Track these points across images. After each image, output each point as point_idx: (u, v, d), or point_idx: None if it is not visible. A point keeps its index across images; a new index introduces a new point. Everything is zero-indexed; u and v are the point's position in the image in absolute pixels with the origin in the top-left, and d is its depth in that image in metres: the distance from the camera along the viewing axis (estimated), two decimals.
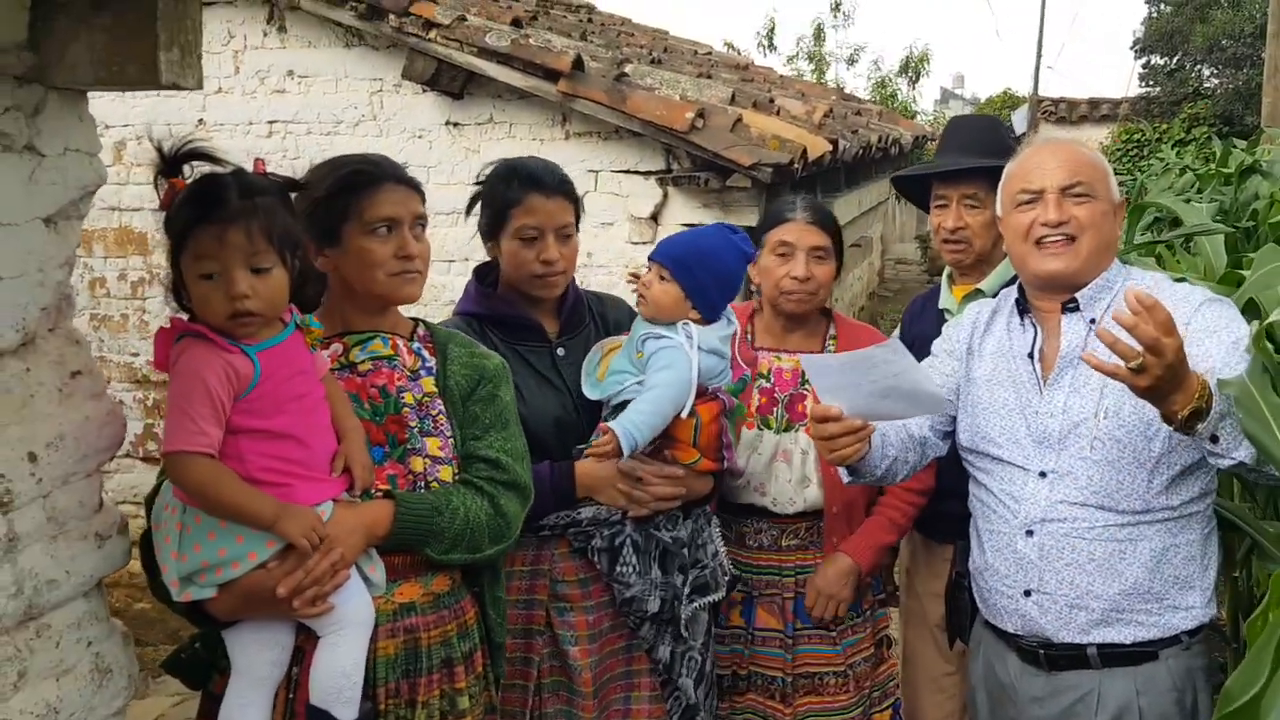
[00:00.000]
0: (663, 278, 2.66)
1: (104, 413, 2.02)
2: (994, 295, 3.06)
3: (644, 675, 2.72)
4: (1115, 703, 2.38)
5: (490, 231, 2.69)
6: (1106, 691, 2.38)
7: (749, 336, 3.11)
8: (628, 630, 2.69)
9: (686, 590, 2.67)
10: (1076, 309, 2.45)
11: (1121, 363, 1.99)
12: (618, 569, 2.60)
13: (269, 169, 2.07)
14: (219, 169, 2.00)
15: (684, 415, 2.59)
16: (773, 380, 3.04)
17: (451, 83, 5.79)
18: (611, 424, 2.52)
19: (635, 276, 2.77)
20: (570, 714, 2.61)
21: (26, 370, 1.88)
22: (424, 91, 5.94)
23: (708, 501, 2.85)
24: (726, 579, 2.80)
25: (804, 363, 2.43)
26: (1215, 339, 2.26)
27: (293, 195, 2.08)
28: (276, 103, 6.14)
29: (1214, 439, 2.10)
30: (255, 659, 2.07)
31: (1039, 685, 2.47)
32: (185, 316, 2.02)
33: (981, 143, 3.25)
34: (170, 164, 1.97)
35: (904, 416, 2.51)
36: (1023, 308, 2.57)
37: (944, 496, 2.97)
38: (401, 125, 6.02)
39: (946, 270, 3.33)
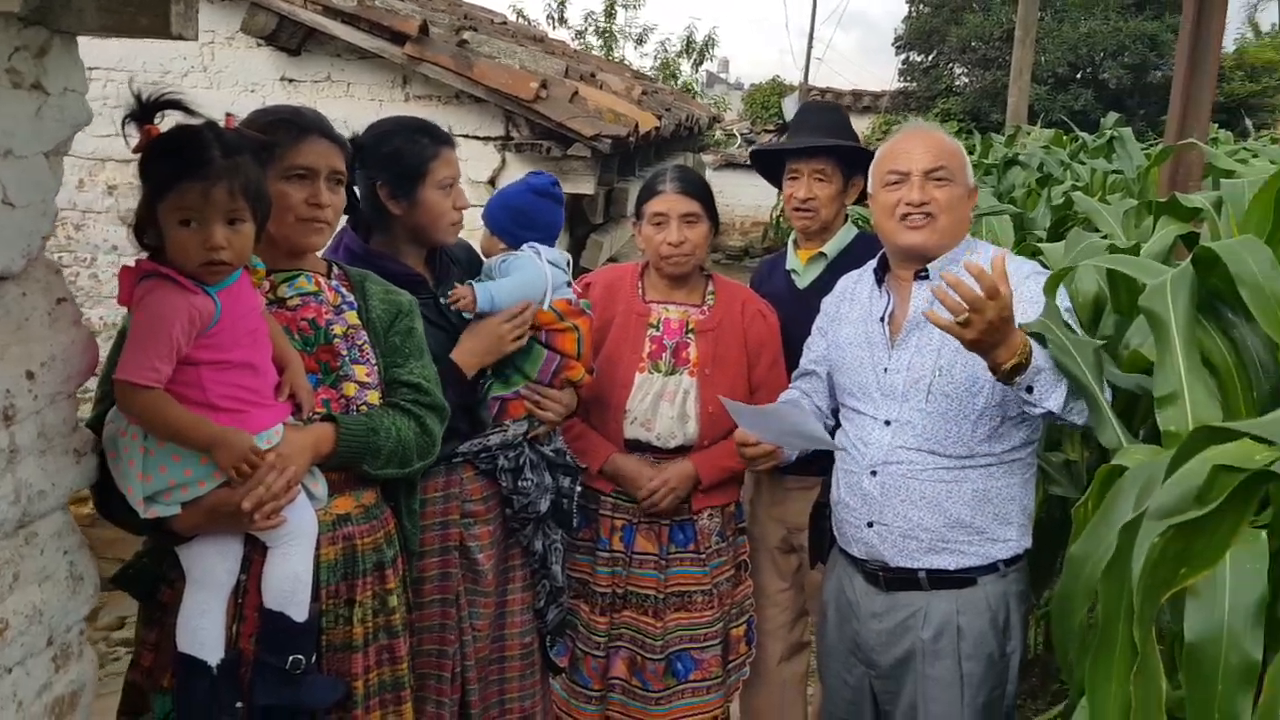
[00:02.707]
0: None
1: (84, 338, 2.14)
2: (834, 257, 3.50)
3: (517, 570, 3.07)
4: (939, 619, 2.77)
5: (405, 187, 2.85)
6: (932, 610, 2.77)
7: (640, 291, 3.43)
8: (508, 532, 3.03)
9: (578, 488, 3.11)
10: (926, 277, 2.81)
11: (952, 317, 2.36)
12: (520, 483, 2.95)
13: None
14: (192, 121, 2.13)
15: (545, 307, 3.02)
16: (662, 329, 3.35)
17: (290, 39, 5.83)
18: (479, 286, 2.94)
19: None
20: (476, 613, 2.94)
21: (23, 295, 1.99)
22: (259, 46, 5.95)
23: (572, 416, 3.23)
24: (578, 474, 3.18)
25: (726, 405, 2.81)
26: (1036, 309, 2.63)
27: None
28: (97, 50, 5.93)
29: (1029, 389, 2.50)
30: (212, 569, 2.24)
31: (879, 603, 2.86)
32: (146, 255, 2.16)
33: (830, 125, 3.67)
34: (145, 111, 2.10)
35: (803, 448, 2.98)
36: (880, 276, 2.94)
37: None
38: (234, 79, 6.01)
39: (792, 235, 3.74)
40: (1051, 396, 2.50)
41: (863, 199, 3.55)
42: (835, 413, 3.12)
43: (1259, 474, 1.37)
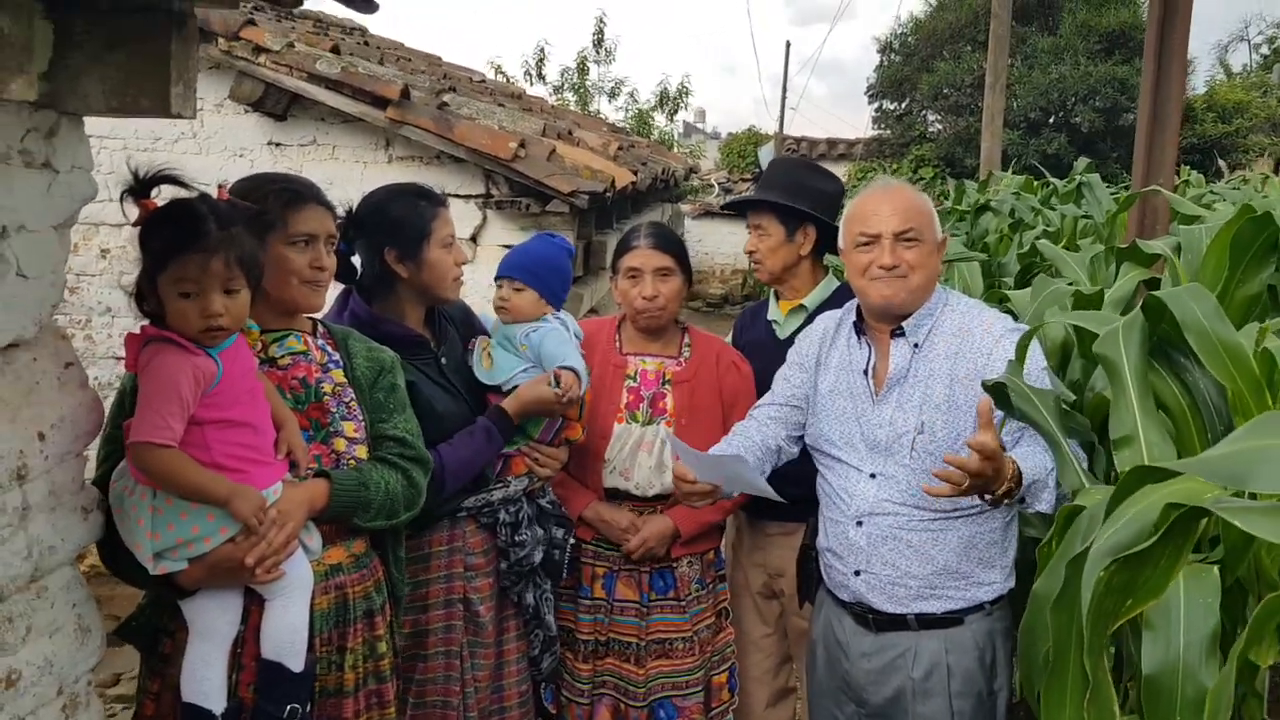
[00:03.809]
0: (518, 289, 3.21)
1: (90, 400, 2.25)
2: (814, 309, 3.59)
3: (511, 619, 3.18)
4: (929, 659, 2.82)
5: (412, 249, 2.96)
6: (922, 650, 2.83)
7: (617, 344, 3.54)
8: (503, 585, 3.13)
9: (571, 540, 3.25)
10: (903, 335, 2.88)
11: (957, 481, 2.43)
12: (517, 536, 3.07)
13: None
14: (187, 194, 2.26)
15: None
16: (639, 380, 3.46)
17: (276, 105, 5.97)
18: (562, 368, 3.08)
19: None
20: (478, 664, 3.04)
21: (34, 360, 2.11)
22: (247, 112, 6.09)
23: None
24: (571, 525, 3.31)
25: (671, 443, 2.84)
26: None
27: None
28: (91, 119, 6.10)
29: (1022, 500, 2.58)
30: (214, 621, 2.34)
31: (868, 643, 2.91)
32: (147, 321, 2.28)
33: (782, 182, 3.78)
34: (142, 186, 2.22)
35: (744, 491, 3.00)
36: (859, 328, 3.00)
37: (779, 481, 3.46)
38: (223, 144, 6.14)
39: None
40: (1042, 500, 2.58)
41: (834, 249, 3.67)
42: (798, 441, 3.15)
43: (1194, 509, 1.48)
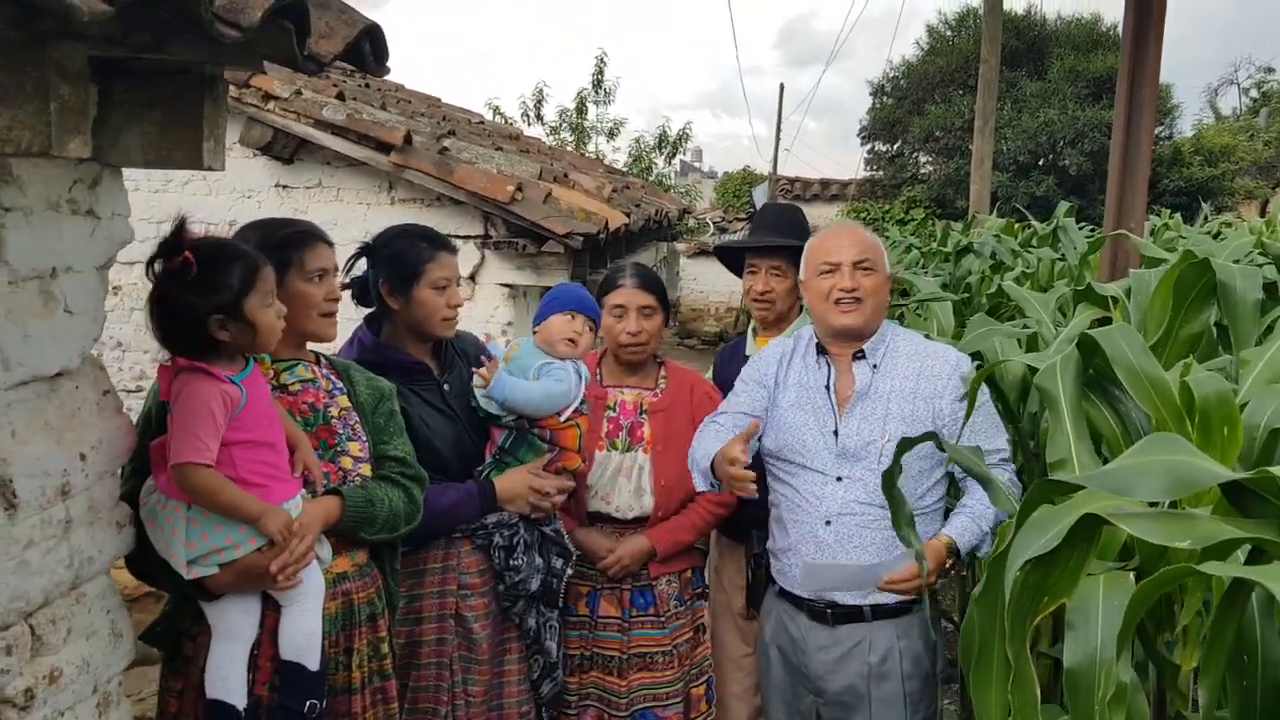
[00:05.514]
0: (591, 328, 3.48)
1: (125, 424, 2.48)
2: None
3: (513, 642, 3.38)
4: (883, 646, 3.14)
5: (402, 285, 3.20)
6: (876, 638, 3.15)
7: (598, 376, 3.79)
8: (503, 607, 3.33)
9: (569, 570, 3.41)
10: (863, 357, 3.23)
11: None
12: (512, 561, 3.27)
13: None
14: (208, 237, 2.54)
15: (561, 419, 3.36)
16: (618, 410, 3.71)
17: (284, 149, 6.24)
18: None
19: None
20: (471, 679, 3.24)
21: (76, 388, 2.35)
22: (255, 156, 6.35)
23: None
24: (570, 556, 3.49)
25: (814, 572, 3.18)
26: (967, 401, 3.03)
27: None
28: None
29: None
30: (237, 623, 2.58)
31: (824, 637, 3.20)
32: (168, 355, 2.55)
33: (787, 225, 4.07)
34: (174, 247, 2.47)
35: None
36: (819, 350, 3.32)
37: (743, 504, 3.69)
38: (231, 186, 6.40)
39: (751, 324, 4.12)
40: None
41: None
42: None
43: (1090, 516, 1.72)
